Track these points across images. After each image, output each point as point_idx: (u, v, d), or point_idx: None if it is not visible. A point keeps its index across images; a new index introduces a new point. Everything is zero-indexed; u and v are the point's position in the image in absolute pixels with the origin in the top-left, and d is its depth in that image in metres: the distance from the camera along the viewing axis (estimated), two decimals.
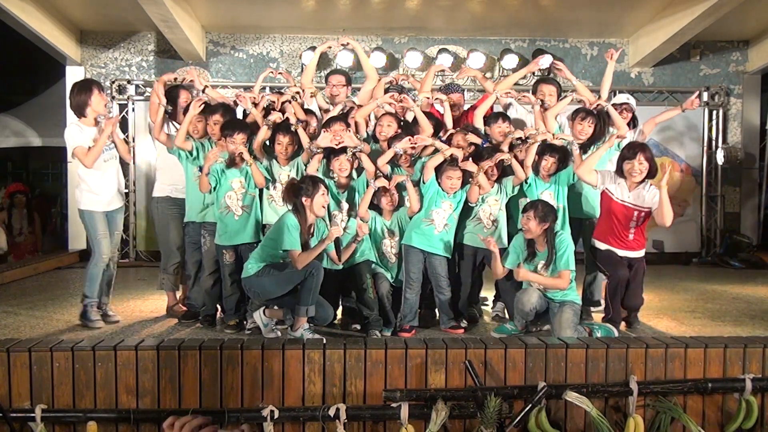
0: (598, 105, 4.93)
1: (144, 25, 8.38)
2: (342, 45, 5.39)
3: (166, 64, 8.86)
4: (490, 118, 4.96)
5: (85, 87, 4.71)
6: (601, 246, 4.65)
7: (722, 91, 9.05)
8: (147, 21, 7.51)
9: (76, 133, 4.61)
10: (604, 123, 4.90)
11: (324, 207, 4.23)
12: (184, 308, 5.00)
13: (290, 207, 4.27)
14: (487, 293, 5.37)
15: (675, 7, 7.58)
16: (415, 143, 4.54)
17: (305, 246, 4.19)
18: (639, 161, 4.43)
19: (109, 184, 4.70)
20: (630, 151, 4.49)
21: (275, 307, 4.29)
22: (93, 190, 4.64)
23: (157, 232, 5.17)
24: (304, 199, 4.18)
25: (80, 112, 4.68)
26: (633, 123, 5.19)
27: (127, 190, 8.40)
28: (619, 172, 4.55)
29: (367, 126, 4.85)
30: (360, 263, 4.52)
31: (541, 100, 4.94)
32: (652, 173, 4.49)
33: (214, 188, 4.50)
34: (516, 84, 5.67)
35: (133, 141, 8.54)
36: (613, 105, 5.07)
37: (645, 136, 5.14)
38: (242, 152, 4.44)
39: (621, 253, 4.59)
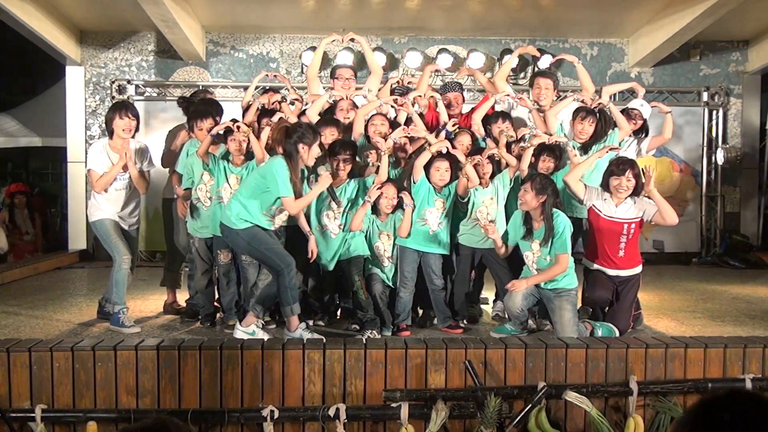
0: (599, 104, 4.92)
1: (144, 25, 8.38)
2: (349, 40, 5.30)
3: (166, 64, 8.87)
4: (491, 117, 4.96)
5: (113, 108, 4.80)
6: (591, 266, 4.56)
7: (722, 91, 9.06)
8: (147, 21, 7.51)
9: (95, 155, 4.65)
10: (605, 122, 4.88)
11: (314, 158, 4.16)
12: (181, 305, 5.04)
13: (281, 151, 4.10)
14: (488, 293, 5.37)
15: (675, 7, 7.58)
16: (409, 133, 4.55)
17: (297, 195, 4.05)
18: (627, 178, 4.35)
19: (116, 205, 4.70)
20: (619, 167, 4.40)
21: (251, 313, 4.19)
22: (100, 206, 4.68)
23: (166, 231, 5.20)
24: (302, 146, 4.02)
25: (108, 132, 4.75)
26: (644, 131, 5.18)
27: None
28: (605, 187, 4.47)
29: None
30: (350, 263, 4.49)
31: (536, 102, 4.95)
32: (638, 190, 4.41)
33: (210, 172, 4.52)
34: (515, 84, 5.66)
35: None
36: (627, 108, 5.08)
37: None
38: (239, 125, 4.40)
39: (611, 272, 4.45)
